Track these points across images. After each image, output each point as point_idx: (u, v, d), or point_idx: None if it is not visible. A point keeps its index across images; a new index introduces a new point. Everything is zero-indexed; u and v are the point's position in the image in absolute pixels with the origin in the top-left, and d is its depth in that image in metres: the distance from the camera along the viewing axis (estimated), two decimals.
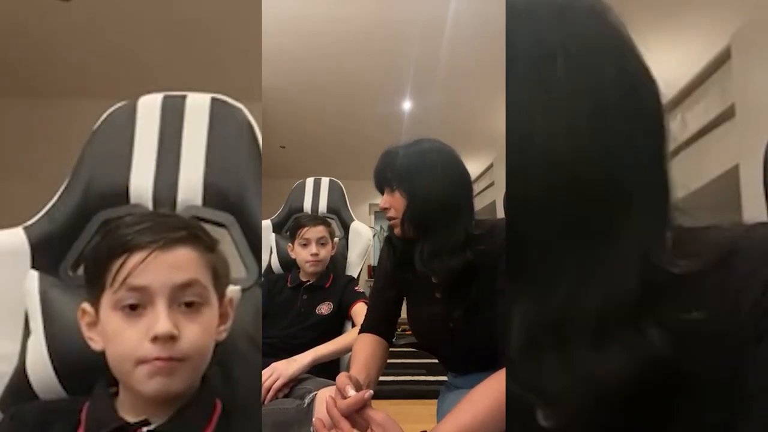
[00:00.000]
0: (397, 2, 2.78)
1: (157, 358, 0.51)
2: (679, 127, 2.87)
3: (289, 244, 1.54)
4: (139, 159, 0.79)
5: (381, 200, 0.91)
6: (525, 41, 0.36)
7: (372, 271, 5.48)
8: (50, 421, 0.58)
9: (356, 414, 0.69)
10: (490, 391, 0.69)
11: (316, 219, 1.52)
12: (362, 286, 1.56)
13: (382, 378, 0.96)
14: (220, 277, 0.59)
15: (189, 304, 0.54)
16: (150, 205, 0.78)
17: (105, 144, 0.81)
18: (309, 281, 1.48)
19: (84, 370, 0.61)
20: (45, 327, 0.68)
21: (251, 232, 0.79)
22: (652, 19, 2.59)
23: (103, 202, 0.78)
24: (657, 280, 0.33)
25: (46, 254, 0.75)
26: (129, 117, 0.81)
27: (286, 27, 3.03)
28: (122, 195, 0.78)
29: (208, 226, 0.65)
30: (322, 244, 1.48)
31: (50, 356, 0.67)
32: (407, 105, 4.22)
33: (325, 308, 1.43)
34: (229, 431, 0.58)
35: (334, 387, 0.75)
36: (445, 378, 1.06)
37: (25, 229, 0.76)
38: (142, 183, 0.78)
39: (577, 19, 0.37)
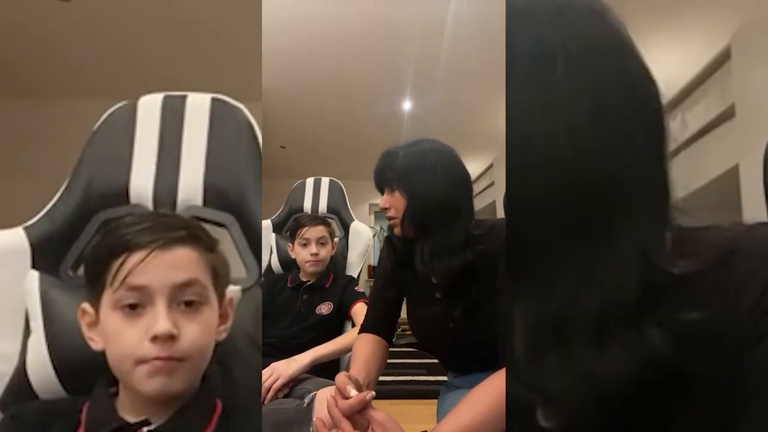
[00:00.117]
0: (397, 2, 2.78)
1: (156, 358, 0.51)
2: (679, 127, 2.87)
3: (289, 244, 1.54)
4: (140, 159, 0.79)
5: (381, 200, 0.91)
6: (525, 41, 0.36)
7: (372, 271, 5.48)
8: (50, 421, 0.58)
9: (357, 414, 0.69)
10: (490, 391, 0.69)
11: (316, 219, 1.52)
12: (362, 286, 1.56)
13: (382, 378, 0.96)
14: (219, 277, 0.59)
15: (189, 304, 0.54)
16: (150, 205, 0.78)
17: (105, 144, 0.81)
18: (309, 281, 1.48)
19: (84, 370, 0.61)
20: (45, 327, 0.68)
21: (251, 232, 0.79)
22: (652, 19, 2.60)
23: (104, 202, 0.78)
24: (657, 280, 0.33)
25: (47, 254, 0.75)
26: (129, 117, 0.81)
27: (286, 27, 3.03)
28: (122, 195, 0.78)
29: (208, 226, 0.65)
30: (322, 244, 1.48)
31: (50, 356, 0.67)
32: (407, 105, 4.22)
33: (325, 308, 1.43)
34: (229, 431, 0.58)
35: (333, 387, 0.75)
36: (445, 378, 1.06)
37: (26, 229, 0.76)
38: (142, 183, 0.78)
39: (577, 19, 0.37)
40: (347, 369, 0.92)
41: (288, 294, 1.48)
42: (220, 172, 0.79)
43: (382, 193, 0.92)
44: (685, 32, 2.74)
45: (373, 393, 0.70)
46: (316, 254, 1.46)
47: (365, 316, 1.06)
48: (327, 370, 1.18)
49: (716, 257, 0.35)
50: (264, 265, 1.71)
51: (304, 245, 1.47)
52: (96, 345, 0.56)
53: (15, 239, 0.74)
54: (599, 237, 0.34)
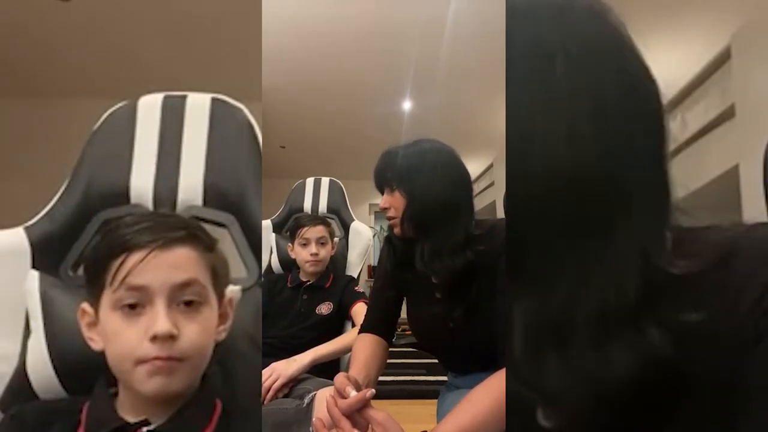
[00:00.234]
0: (397, 2, 2.78)
1: (156, 358, 0.51)
2: (679, 127, 2.87)
3: (289, 244, 1.54)
4: (140, 159, 0.79)
5: (381, 200, 0.91)
6: (525, 41, 0.36)
7: (372, 271, 5.48)
8: (50, 421, 0.58)
9: (357, 413, 0.69)
10: (490, 391, 0.69)
11: (315, 219, 1.52)
12: (362, 286, 1.56)
13: (382, 378, 0.96)
14: (219, 277, 0.59)
15: (188, 304, 0.54)
16: (150, 205, 0.78)
17: (105, 144, 0.81)
18: (309, 281, 1.48)
19: (84, 370, 0.61)
20: (45, 327, 0.68)
21: (251, 232, 0.79)
22: (652, 19, 2.60)
23: (104, 203, 0.78)
24: (657, 280, 0.33)
25: (47, 254, 0.75)
26: (129, 117, 0.81)
27: (286, 27, 3.03)
28: (122, 195, 0.78)
29: (208, 226, 0.65)
30: (322, 243, 1.48)
31: (50, 356, 0.67)
32: (407, 105, 4.22)
33: (325, 308, 1.43)
34: (229, 431, 0.58)
35: (333, 387, 0.75)
36: (445, 378, 1.06)
37: (26, 229, 0.76)
38: (142, 183, 0.78)
39: (577, 19, 0.37)
40: (347, 369, 0.92)
41: (288, 294, 1.48)
42: (220, 172, 0.79)
43: (382, 193, 0.92)
44: (685, 32, 2.74)
45: (373, 391, 0.70)
46: (316, 254, 1.46)
47: (365, 316, 1.06)
48: (327, 370, 1.18)
49: (716, 257, 0.35)
50: (264, 265, 1.71)
51: (304, 245, 1.47)
52: (96, 345, 0.56)
53: (15, 239, 0.74)
54: (599, 237, 0.34)
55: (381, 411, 0.68)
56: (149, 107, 0.82)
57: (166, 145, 0.80)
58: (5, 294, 0.71)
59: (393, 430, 0.66)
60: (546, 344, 0.34)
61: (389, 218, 0.90)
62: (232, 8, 2.89)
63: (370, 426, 0.68)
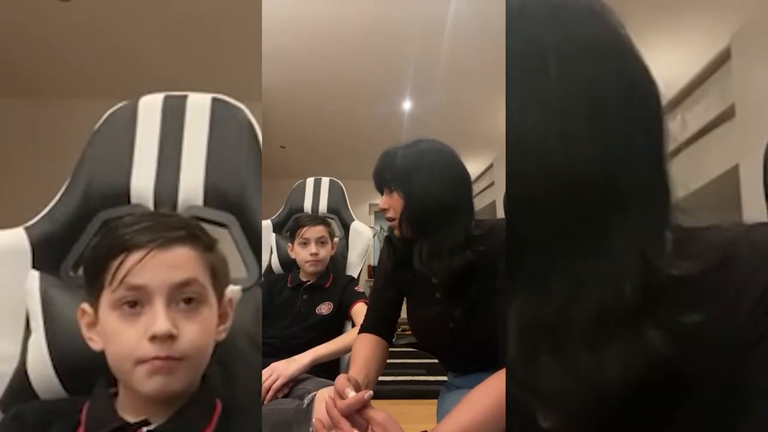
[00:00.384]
0: (397, 2, 2.78)
1: (155, 357, 0.51)
2: (679, 127, 2.87)
3: (289, 244, 1.54)
4: (140, 159, 0.79)
5: (380, 201, 0.91)
6: (521, 41, 0.36)
7: (372, 271, 5.48)
8: (50, 421, 0.58)
9: (356, 414, 0.69)
10: (490, 391, 0.69)
11: (315, 219, 1.52)
12: (362, 286, 1.56)
13: (382, 378, 0.96)
14: (219, 277, 0.59)
15: (188, 302, 0.54)
16: (151, 205, 0.78)
17: (106, 144, 0.81)
18: (309, 281, 1.48)
19: (84, 370, 0.61)
20: (46, 327, 0.68)
21: (252, 232, 0.79)
22: (652, 19, 2.60)
23: (104, 203, 0.78)
24: (656, 281, 0.33)
25: (47, 254, 0.75)
26: (130, 117, 0.82)
27: (286, 27, 3.03)
28: (123, 195, 0.78)
29: (208, 226, 0.65)
30: (322, 243, 1.48)
31: (51, 356, 0.67)
32: (407, 105, 4.22)
33: (325, 308, 1.43)
34: (229, 431, 0.58)
35: (333, 387, 0.75)
36: (445, 378, 1.06)
37: (26, 229, 0.76)
38: (142, 183, 0.78)
39: (572, 19, 0.37)
40: (347, 369, 0.92)
41: (288, 294, 1.48)
42: (221, 172, 0.79)
43: (382, 194, 0.92)
44: (685, 32, 2.74)
45: (371, 392, 0.70)
46: (316, 254, 1.46)
47: (365, 316, 1.06)
48: (327, 370, 1.18)
49: (716, 258, 0.35)
50: (264, 265, 1.71)
51: (304, 245, 1.47)
52: (95, 345, 0.56)
53: (16, 239, 0.74)
54: (597, 237, 0.34)
55: (381, 411, 0.68)
56: (150, 107, 0.82)
57: (167, 145, 0.80)
58: (6, 294, 0.71)
59: (393, 430, 0.66)
60: (544, 344, 0.34)
61: (389, 219, 0.90)
62: (232, 8, 2.89)
63: (369, 426, 0.68)
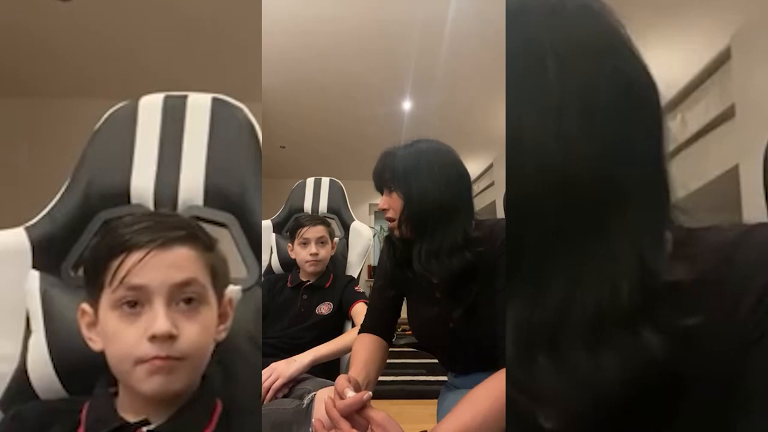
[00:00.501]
0: (397, 2, 2.78)
1: (155, 357, 0.51)
2: (679, 127, 2.87)
3: (289, 244, 1.54)
4: (140, 159, 0.79)
5: (380, 201, 0.91)
6: (520, 41, 0.36)
7: (372, 271, 5.48)
8: (50, 421, 0.58)
9: (356, 414, 0.69)
10: (490, 391, 0.69)
11: (315, 219, 1.52)
12: (362, 286, 1.56)
13: (382, 378, 0.96)
14: (218, 277, 0.59)
15: (188, 302, 0.54)
16: (151, 205, 0.78)
17: (106, 144, 0.81)
18: (309, 281, 1.48)
19: (84, 370, 0.61)
20: (46, 327, 0.68)
21: (252, 232, 0.79)
22: (652, 18, 2.59)
23: (104, 202, 0.78)
24: (655, 283, 0.33)
25: (48, 254, 0.75)
26: (130, 117, 0.81)
27: (286, 26, 3.03)
28: (123, 195, 0.78)
29: (208, 226, 0.65)
30: (322, 243, 1.48)
31: (51, 356, 0.67)
32: (407, 105, 4.22)
33: (325, 308, 1.43)
34: (229, 431, 0.58)
35: (333, 387, 0.75)
36: (445, 378, 1.06)
37: (27, 229, 0.76)
38: (143, 183, 0.78)
39: (570, 18, 0.37)
40: (347, 369, 0.92)
41: (288, 294, 1.48)
42: (221, 172, 0.79)
43: (382, 194, 0.92)
44: (685, 32, 2.74)
45: (370, 393, 0.70)
46: (316, 254, 1.46)
47: (365, 316, 1.06)
48: (327, 370, 1.18)
49: (716, 260, 0.35)
50: (264, 265, 1.71)
51: (304, 245, 1.47)
52: (95, 345, 0.56)
53: (16, 239, 0.74)
54: (594, 237, 0.34)
55: (380, 411, 0.68)
56: (150, 107, 0.82)
57: (167, 145, 0.80)
58: (6, 294, 0.71)
59: (392, 430, 0.66)
60: (542, 345, 0.34)
61: (388, 219, 0.90)
62: (232, 8, 2.89)
63: (369, 426, 0.68)
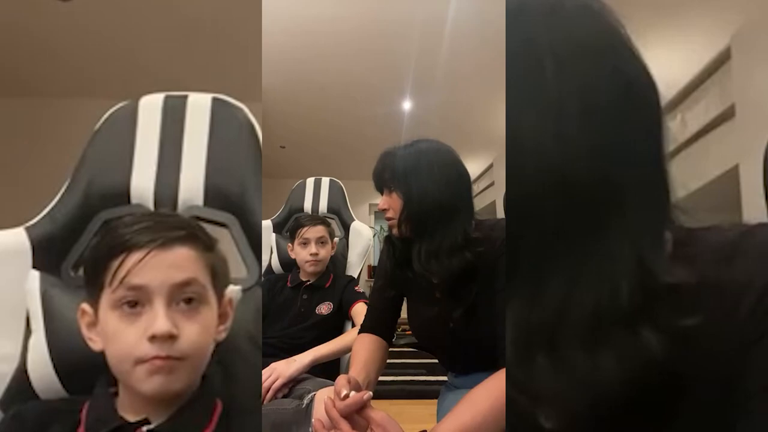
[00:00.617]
0: (397, 2, 2.78)
1: (155, 357, 0.51)
2: (679, 127, 2.87)
3: (289, 244, 1.54)
4: (141, 159, 0.79)
5: (380, 201, 0.91)
6: (519, 41, 0.36)
7: (372, 271, 5.48)
8: (50, 420, 0.58)
9: (356, 414, 0.69)
10: (491, 391, 0.69)
11: (315, 219, 1.52)
12: (362, 286, 1.56)
13: (382, 378, 0.96)
14: (218, 277, 0.59)
15: (188, 302, 0.54)
16: (151, 205, 0.78)
17: (106, 144, 0.81)
18: (309, 281, 1.48)
19: (85, 370, 0.61)
20: (46, 327, 0.68)
21: (252, 232, 0.79)
22: (652, 18, 2.59)
23: (104, 202, 0.78)
24: (654, 283, 0.33)
25: (48, 254, 0.75)
26: (130, 117, 0.82)
27: (286, 26, 3.03)
28: (123, 195, 0.78)
29: (208, 226, 0.65)
30: (322, 243, 1.48)
31: (51, 356, 0.67)
32: (407, 105, 4.22)
33: (325, 308, 1.43)
34: (229, 431, 0.58)
35: (333, 388, 0.75)
36: (445, 378, 1.06)
37: (27, 229, 0.76)
38: (143, 183, 0.78)
39: (568, 18, 0.37)
40: (347, 369, 0.92)
41: (288, 294, 1.48)
42: (221, 172, 0.79)
43: (382, 194, 0.92)
44: (685, 32, 2.74)
45: (370, 393, 0.70)
46: (316, 254, 1.46)
47: (365, 315, 1.06)
48: (327, 370, 1.18)
49: (715, 260, 0.35)
50: (264, 265, 1.71)
51: (304, 245, 1.47)
52: (95, 345, 0.56)
53: (16, 239, 0.74)
54: (594, 237, 0.34)
55: (380, 411, 0.68)
56: (150, 107, 0.82)
57: (167, 145, 0.80)
58: (6, 294, 0.71)
59: (392, 430, 0.66)
60: (541, 345, 0.34)
61: (388, 219, 0.90)
62: (232, 8, 2.89)
63: (369, 426, 0.68)
